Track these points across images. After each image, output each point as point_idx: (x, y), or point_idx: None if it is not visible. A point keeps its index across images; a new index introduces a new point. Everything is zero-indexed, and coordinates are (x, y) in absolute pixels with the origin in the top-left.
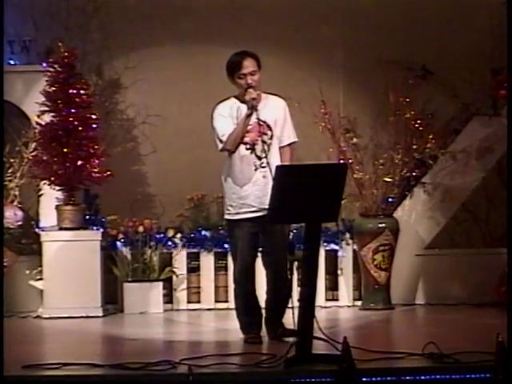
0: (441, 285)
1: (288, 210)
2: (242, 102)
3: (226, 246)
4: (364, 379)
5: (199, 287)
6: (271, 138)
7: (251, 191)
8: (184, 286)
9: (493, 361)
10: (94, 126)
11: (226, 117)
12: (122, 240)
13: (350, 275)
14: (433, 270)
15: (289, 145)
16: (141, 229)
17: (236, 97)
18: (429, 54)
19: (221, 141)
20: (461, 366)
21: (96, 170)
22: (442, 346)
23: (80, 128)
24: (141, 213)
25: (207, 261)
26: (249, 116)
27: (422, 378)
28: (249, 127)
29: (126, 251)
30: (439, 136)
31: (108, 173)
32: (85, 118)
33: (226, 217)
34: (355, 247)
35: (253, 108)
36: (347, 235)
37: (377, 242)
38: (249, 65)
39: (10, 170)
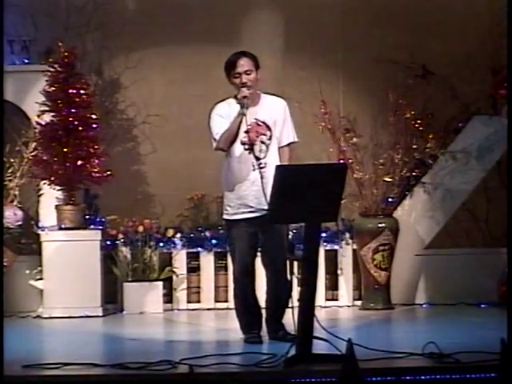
0: (441, 285)
1: (288, 210)
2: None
3: (226, 245)
4: (364, 379)
5: (199, 287)
6: (270, 138)
7: (249, 191)
8: (184, 285)
9: (498, 360)
10: (94, 125)
11: (222, 116)
12: (122, 240)
13: (350, 275)
14: (433, 269)
15: (288, 145)
16: (141, 229)
17: (235, 97)
18: (429, 53)
19: (215, 139)
20: (461, 365)
21: (96, 170)
22: (442, 345)
23: (80, 128)
24: (141, 213)
25: (207, 261)
26: (240, 115)
27: (422, 377)
28: (247, 127)
29: (125, 251)
30: (439, 136)
31: (108, 173)
32: (85, 118)
33: (225, 217)
34: (355, 247)
35: (244, 107)
36: (347, 235)
37: (377, 242)
38: (244, 64)
39: (9, 170)
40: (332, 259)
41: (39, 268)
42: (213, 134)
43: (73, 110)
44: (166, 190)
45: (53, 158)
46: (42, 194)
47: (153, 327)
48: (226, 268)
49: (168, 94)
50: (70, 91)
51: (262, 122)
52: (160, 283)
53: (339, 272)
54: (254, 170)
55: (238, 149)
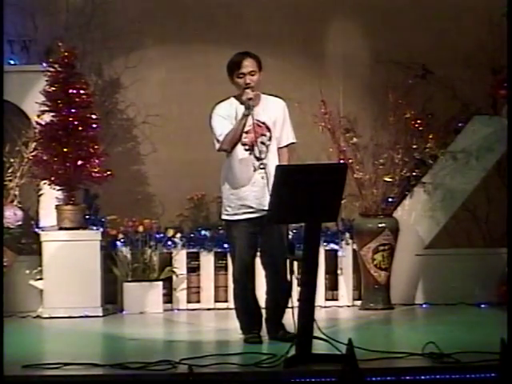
0: (441, 285)
1: (288, 210)
2: (241, 102)
3: (225, 245)
4: (364, 379)
5: (199, 287)
6: (270, 139)
7: (250, 192)
8: (184, 285)
9: (498, 360)
10: (94, 125)
11: (224, 117)
12: (122, 240)
13: (350, 275)
14: (433, 269)
15: (287, 146)
16: (141, 228)
17: (235, 97)
18: (428, 53)
19: (218, 141)
20: (461, 365)
21: (96, 170)
22: (441, 345)
23: (80, 128)
24: (141, 213)
25: (207, 261)
26: (245, 116)
27: (422, 377)
28: (247, 128)
29: (125, 251)
30: (439, 136)
31: (108, 173)
32: (85, 118)
33: (224, 217)
34: (355, 247)
35: (249, 108)
36: (347, 235)
37: (377, 242)
38: (248, 65)
39: (9, 170)
40: (332, 259)
41: (39, 268)
42: (216, 135)
43: (73, 110)
44: (165, 189)
45: (53, 158)
46: (41, 194)
47: (153, 327)
48: (226, 268)
49: (168, 94)
50: (70, 91)
51: (262, 123)
52: (160, 283)
53: (339, 272)
54: (254, 170)
55: (239, 150)
